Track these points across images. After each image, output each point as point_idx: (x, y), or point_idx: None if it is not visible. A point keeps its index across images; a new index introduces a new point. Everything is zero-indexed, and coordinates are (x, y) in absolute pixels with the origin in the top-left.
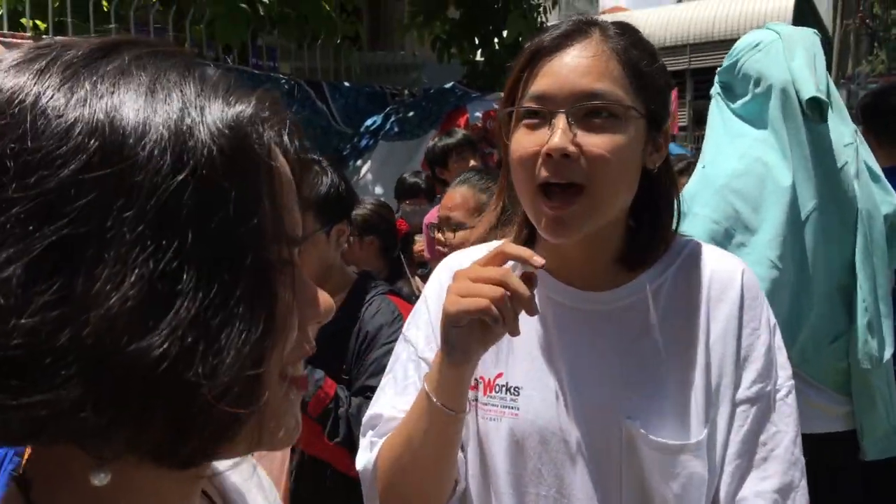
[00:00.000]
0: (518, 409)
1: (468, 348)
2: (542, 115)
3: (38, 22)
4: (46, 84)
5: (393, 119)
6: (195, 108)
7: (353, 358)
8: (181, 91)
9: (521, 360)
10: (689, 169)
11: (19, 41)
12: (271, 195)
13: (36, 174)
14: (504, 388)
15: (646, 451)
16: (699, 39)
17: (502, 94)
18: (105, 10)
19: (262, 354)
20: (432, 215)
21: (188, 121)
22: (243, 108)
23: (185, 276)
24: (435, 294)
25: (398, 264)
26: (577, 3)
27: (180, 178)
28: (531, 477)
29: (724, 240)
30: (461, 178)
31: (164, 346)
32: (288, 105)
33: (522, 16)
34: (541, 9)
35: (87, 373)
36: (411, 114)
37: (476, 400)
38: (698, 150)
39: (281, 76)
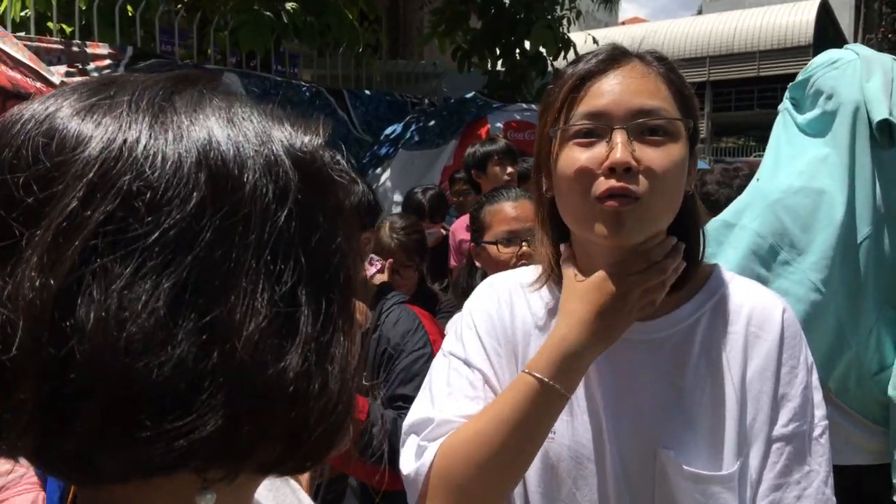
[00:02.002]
0: (554, 432)
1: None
2: (595, 134)
3: (64, 26)
4: (141, 124)
5: (413, 128)
6: (267, 136)
7: (377, 367)
8: (251, 121)
9: None
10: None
11: (46, 45)
12: (343, 213)
13: (162, 211)
14: None
15: (678, 479)
16: (719, 52)
17: (523, 105)
18: (130, 15)
19: (350, 364)
20: (460, 225)
21: (269, 148)
22: (311, 137)
23: (301, 297)
24: (480, 312)
25: (422, 280)
26: (597, 14)
27: (288, 206)
28: (566, 500)
29: (768, 255)
30: (513, 194)
31: (298, 365)
32: (309, 112)
33: (547, 26)
34: (564, 20)
35: (234, 397)
36: (432, 123)
37: None
38: (717, 161)
39: (302, 83)
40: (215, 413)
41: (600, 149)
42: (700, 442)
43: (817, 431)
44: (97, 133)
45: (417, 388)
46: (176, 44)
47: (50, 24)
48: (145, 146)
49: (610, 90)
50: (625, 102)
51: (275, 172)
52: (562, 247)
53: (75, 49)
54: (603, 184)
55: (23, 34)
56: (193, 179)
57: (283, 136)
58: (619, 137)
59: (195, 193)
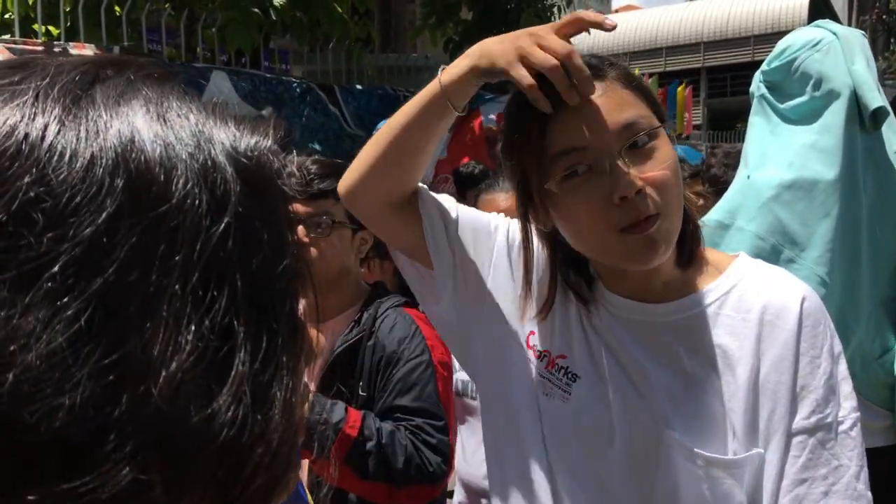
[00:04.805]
0: (570, 394)
1: (500, 74)
2: (582, 168)
3: (50, 28)
4: (49, 116)
5: None
6: (205, 136)
7: (374, 375)
8: (187, 118)
9: (584, 352)
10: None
11: (31, 47)
12: (292, 230)
13: (66, 224)
14: (564, 371)
15: (681, 461)
16: (713, 37)
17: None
18: (117, 14)
19: (295, 406)
20: None
21: (205, 151)
22: (260, 139)
23: (237, 329)
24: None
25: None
26: (590, 2)
27: (225, 220)
28: (573, 459)
29: (772, 256)
30: (506, 185)
31: (230, 411)
32: (300, 109)
33: (536, 16)
34: (554, 8)
35: (146, 451)
36: None
37: (538, 372)
38: (713, 147)
39: (293, 80)
40: (121, 470)
41: (599, 182)
42: (707, 428)
43: (847, 424)
44: None
45: (416, 399)
46: (163, 43)
47: (35, 27)
48: (51, 143)
49: (580, 119)
50: (603, 125)
51: (212, 180)
52: None
53: (60, 51)
54: (622, 215)
55: (7, 37)
56: (108, 185)
57: (226, 136)
58: (618, 167)
59: (109, 202)
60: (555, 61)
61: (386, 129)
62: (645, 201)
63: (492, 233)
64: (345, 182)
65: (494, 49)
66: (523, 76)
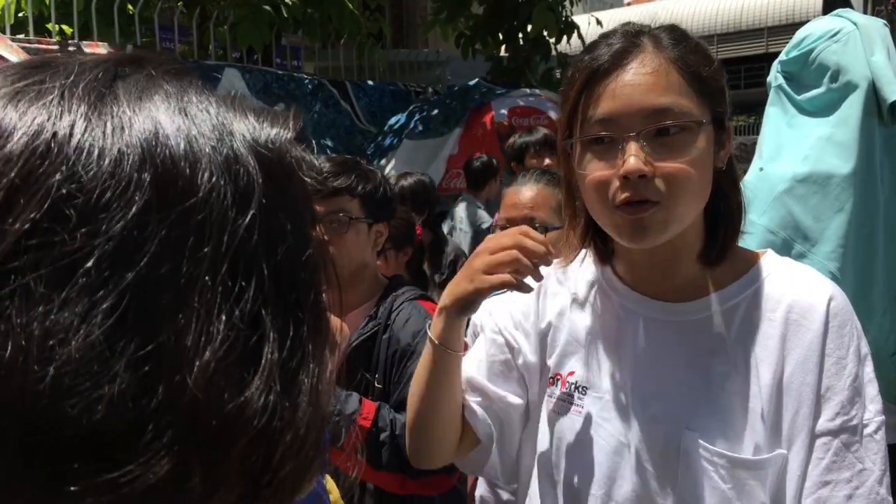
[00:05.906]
0: (582, 406)
1: (477, 307)
2: (608, 140)
3: (64, 27)
4: (75, 114)
5: (417, 117)
6: (226, 129)
7: (389, 368)
8: (208, 111)
9: (593, 362)
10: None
11: (45, 46)
12: (314, 221)
13: (98, 220)
14: (574, 386)
15: (702, 462)
16: (726, 30)
17: (527, 91)
18: (130, 13)
19: (322, 392)
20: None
21: (227, 143)
22: (279, 131)
23: (266, 319)
24: (500, 313)
25: (423, 276)
26: None
27: (250, 212)
28: (586, 474)
29: (783, 250)
30: (528, 178)
31: (262, 398)
32: (311, 105)
33: (549, 8)
34: (566, 1)
35: (184, 439)
36: (435, 112)
37: (550, 395)
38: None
39: (305, 76)
40: (160, 459)
41: (615, 156)
42: (728, 428)
43: (871, 427)
44: (21, 124)
45: None
46: (176, 41)
47: (49, 25)
48: (79, 140)
49: (620, 91)
50: (635, 104)
51: (235, 172)
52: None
53: (74, 49)
54: (619, 193)
55: (21, 36)
56: (136, 180)
57: (246, 129)
58: (630, 147)
59: (138, 197)
60: (515, 253)
61: (412, 401)
62: (648, 186)
63: (502, 346)
64: (413, 452)
65: (455, 286)
66: (494, 279)
